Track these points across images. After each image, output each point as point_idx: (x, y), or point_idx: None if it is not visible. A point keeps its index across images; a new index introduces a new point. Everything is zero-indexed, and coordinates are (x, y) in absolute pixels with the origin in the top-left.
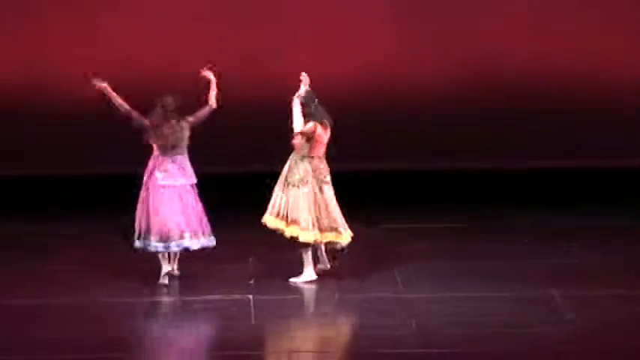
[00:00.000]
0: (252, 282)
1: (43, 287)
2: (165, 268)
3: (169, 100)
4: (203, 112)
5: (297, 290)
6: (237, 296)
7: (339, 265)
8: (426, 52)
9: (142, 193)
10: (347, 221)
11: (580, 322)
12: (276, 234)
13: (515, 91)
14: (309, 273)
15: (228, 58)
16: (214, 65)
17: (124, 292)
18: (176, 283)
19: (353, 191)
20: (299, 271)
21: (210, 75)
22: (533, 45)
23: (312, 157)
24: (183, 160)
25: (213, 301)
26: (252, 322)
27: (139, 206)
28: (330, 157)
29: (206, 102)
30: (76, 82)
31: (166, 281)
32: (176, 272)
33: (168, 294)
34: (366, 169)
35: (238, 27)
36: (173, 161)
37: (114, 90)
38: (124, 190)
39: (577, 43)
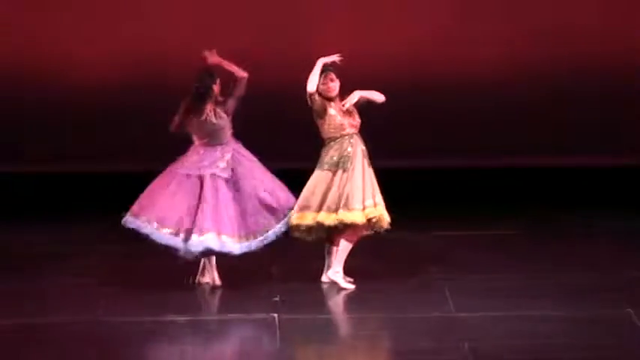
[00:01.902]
0: (277, 298)
1: (37, 304)
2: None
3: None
4: (239, 89)
5: (329, 308)
6: (259, 315)
7: (378, 280)
8: (485, 29)
9: None
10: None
11: None
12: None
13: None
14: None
15: (257, 35)
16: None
17: (129, 310)
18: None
19: (396, 190)
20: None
21: (214, 56)
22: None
23: None
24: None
25: (232, 321)
26: (277, 346)
27: None
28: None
29: (234, 81)
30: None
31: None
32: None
33: (178, 312)
34: (406, 165)
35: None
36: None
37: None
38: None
39: None
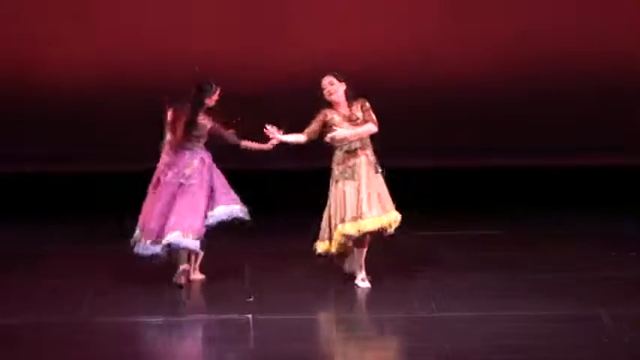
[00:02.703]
0: (251, 299)
1: (21, 304)
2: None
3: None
4: (226, 136)
5: (307, 308)
6: (233, 316)
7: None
8: (475, 28)
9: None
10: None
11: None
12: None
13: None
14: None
15: (241, 36)
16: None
17: (100, 311)
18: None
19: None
20: (304, 283)
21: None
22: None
23: None
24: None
25: (205, 322)
26: (251, 347)
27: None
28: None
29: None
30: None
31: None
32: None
33: (150, 314)
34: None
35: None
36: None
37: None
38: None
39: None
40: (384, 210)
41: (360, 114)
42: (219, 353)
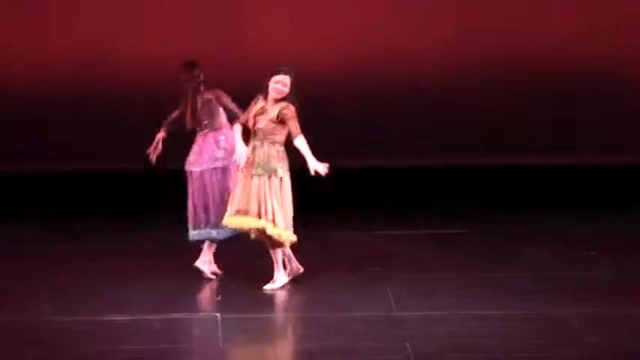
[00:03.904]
0: (219, 297)
1: None
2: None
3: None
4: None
5: (272, 307)
6: (202, 314)
7: (318, 280)
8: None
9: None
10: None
11: (601, 346)
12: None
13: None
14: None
15: (199, 33)
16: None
17: (68, 310)
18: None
19: (338, 190)
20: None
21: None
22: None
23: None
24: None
25: (174, 320)
26: (220, 345)
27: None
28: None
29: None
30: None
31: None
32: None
33: (122, 312)
34: (353, 165)
35: None
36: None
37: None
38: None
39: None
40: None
41: (275, 113)
42: (187, 352)
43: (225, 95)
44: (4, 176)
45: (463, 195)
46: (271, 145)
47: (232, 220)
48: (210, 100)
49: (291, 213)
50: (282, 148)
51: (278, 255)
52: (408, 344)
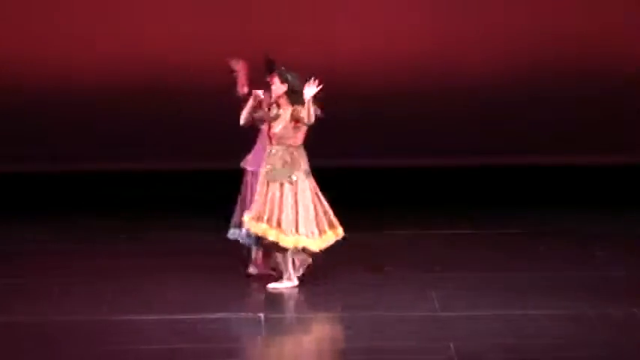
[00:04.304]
0: (263, 297)
1: (42, 302)
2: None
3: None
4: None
5: (316, 308)
6: (246, 314)
7: (362, 279)
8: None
9: None
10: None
11: None
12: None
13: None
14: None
15: (256, 35)
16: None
17: (118, 309)
18: (175, 298)
19: (375, 190)
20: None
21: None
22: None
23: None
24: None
25: (218, 320)
26: (263, 345)
27: None
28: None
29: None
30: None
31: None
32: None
33: (165, 312)
34: (387, 165)
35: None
36: None
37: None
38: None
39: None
40: None
41: (288, 116)
42: (231, 351)
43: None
44: (36, 175)
45: (505, 194)
46: (285, 150)
47: (250, 225)
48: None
49: (310, 217)
50: (298, 151)
51: (285, 259)
52: (451, 344)
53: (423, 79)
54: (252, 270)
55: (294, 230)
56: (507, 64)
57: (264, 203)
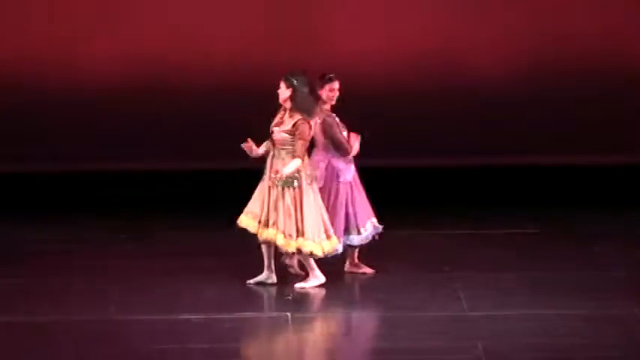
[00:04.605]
0: (289, 296)
1: (48, 302)
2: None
3: None
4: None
5: (343, 307)
6: (273, 313)
7: (390, 279)
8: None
9: None
10: (397, 225)
11: None
12: None
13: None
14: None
15: (257, 34)
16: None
17: (141, 309)
18: (206, 297)
19: (405, 190)
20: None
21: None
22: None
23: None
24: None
25: (245, 320)
26: (290, 345)
27: None
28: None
29: None
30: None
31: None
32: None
33: (193, 311)
34: (414, 164)
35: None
36: None
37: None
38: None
39: None
40: None
41: (290, 124)
42: (260, 351)
43: None
44: (36, 175)
45: (531, 194)
46: (288, 156)
47: (242, 220)
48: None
49: (316, 222)
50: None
51: (306, 258)
52: (479, 344)
53: (423, 79)
54: (348, 268)
55: (294, 235)
56: (507, 64)
57: (262, 204)
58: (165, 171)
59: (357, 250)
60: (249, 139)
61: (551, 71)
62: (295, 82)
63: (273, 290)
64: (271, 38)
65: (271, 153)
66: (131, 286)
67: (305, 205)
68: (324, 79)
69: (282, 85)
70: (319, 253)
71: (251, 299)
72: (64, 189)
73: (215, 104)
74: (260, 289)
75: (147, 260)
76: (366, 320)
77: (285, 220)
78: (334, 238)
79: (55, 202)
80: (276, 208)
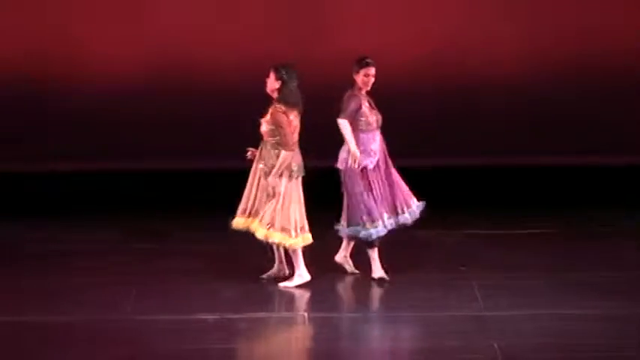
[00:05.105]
0: (308, 296)
1: (61, 302)
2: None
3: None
4: None
5: (359, 306)
6: (288, 314)
7: (407, 278)
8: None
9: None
10: (414, 225)
11: None
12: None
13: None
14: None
15: (273, 37)
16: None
17: (156, 309)
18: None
19: (422, 189)
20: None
21: None
22: None
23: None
24: None
25: (260, 320)
26: (307, 345)
27: None
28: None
29: None
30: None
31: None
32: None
33: (208, 311)
34: (433, 164)
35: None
36: None
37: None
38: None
39: None
40: None
41: (268, 115)
42: (276, 351)
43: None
44: (36, 175)
45: (547, 194)
46: (273, 148)
47: (235, 221)
48: None
49: (293, 216)
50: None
51: (295, 255)
52: (495, 344)
53: (424, 79)
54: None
55: (281, 228)
56: (507, 64)
57: (255, 197)
58: (165, 171)
59: (352, 243)
60: (249, 150)
61: (552, 71)
62: (285, 74)
63: (290, 289)
64: (276, 37)
65: (260, 145)
66: (146, 287)
67: (285, 197)
68: (360, 64)
69: (272, 75)
70: (287, 245)
71: (267, 299)
72: (62, 189)
73: (215, 104)
74: (275, 287)
75: (142, 260)
76: (380, 320)
77: (266, 209)
78: (307, 234)
79: (53, 202)
80: (261, 198)
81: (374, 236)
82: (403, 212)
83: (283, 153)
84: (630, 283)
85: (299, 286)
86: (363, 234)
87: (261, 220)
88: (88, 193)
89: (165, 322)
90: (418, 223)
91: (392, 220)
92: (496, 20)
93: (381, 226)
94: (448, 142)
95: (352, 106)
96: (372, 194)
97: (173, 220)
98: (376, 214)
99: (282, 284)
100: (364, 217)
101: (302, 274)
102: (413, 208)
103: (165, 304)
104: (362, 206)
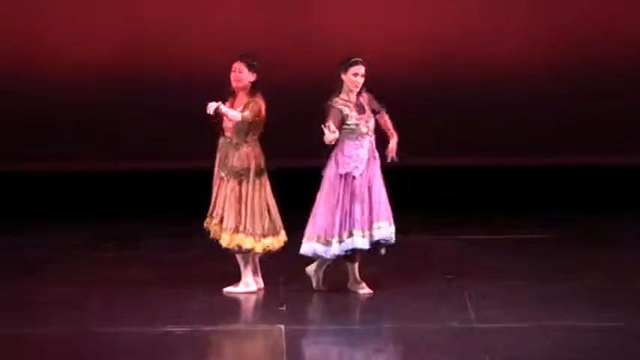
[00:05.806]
0: (283, 307)
1: (24, 316)
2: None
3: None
4: None
5: (340, 319)
6: (264, 326)
7: (393, 287)
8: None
9: None
10: (405, 229)
11: None
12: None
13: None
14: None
15: (258, 33)
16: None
17: (122, 321)
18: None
19: (411, 192)
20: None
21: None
22: None
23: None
24: None
25: (233, 333)
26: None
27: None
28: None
29: None
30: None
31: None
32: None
33: (177, 323)
34: (426, 164)
35: None
36: None
37: None
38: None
39: None
40: None
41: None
42: None
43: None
44: (36, 175)
45: (541, 197)
46: (241, 145)
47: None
48: None
49: (260, 218)
50: (253, 149)
51: (241, 260)
52: (487, 358)
53: (423, 80)
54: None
55: (232, 229)
56: (508, 64)
57: (223, 202)
58: (166, 171)
59: (357, 265)
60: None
61: (550, 71)
62: (257, 65)
63: (264, 299)
64: (269, 38)
65: (221, 143)
66: (113, 296)
67: (249, 199)
68: (348, 62)
69: (244, 68)
70: (259, 250)
71: (239, 310)
72: (62, 189)
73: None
74: (249, 297)
75: (142, 260)
76: (367, 332)
77: (230, 214)
78: (282, 235)
79: (53, 202)
80: (225, 201)
81: (326, 255)
82: (379, 228)
83: (238, 114)
84: (629, 294)
85: (274, 297)
86: (316, 252)
87: (225, 226)
88: (48, 195)
89: (132, 334)
90: (407, 228)
91: (365, 238)
92: (496, 20)
93: (336, 245)
94: (435, 142)
95: (332, 120)
96: (343, 208)
97: (142, 225)
98: (335, 232)
99: (226, 289)
100: (323, 232)
101: (248, 283)
102: (386, 228)
103: (131, 316)
104: (328, 219)
